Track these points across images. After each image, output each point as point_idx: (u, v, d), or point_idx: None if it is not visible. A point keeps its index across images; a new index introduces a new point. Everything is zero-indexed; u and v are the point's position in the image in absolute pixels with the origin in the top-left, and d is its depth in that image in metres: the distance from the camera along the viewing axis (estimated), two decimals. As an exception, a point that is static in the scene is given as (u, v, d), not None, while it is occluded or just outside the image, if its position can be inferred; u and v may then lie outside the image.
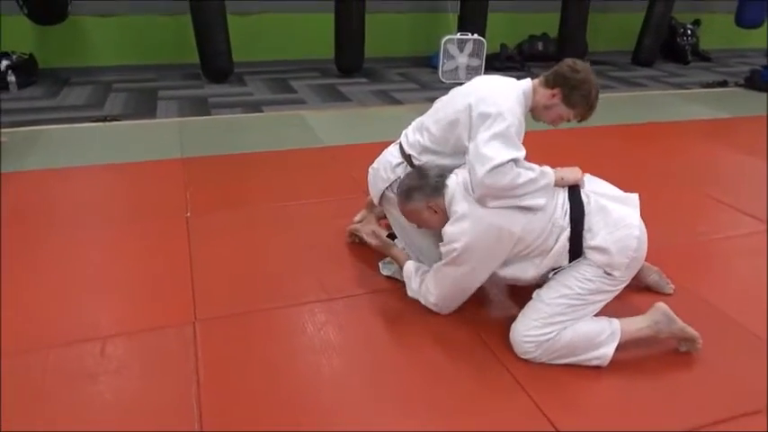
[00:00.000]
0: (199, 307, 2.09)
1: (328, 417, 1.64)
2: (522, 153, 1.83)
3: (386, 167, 2.24)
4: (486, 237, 1.83)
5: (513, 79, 2.02)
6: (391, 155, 2.26)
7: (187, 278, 2.27)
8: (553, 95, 1.93)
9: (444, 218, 1.93)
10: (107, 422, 1.60)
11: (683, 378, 1.82)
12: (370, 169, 2.37)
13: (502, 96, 1.90)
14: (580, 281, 1.83)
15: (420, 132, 2.17)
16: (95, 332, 1.94)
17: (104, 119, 4.36)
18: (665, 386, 1.78)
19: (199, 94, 5.26)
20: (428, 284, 2.03)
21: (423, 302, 2.06)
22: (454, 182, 1.92)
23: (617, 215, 1.85)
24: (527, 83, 1.98)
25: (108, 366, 1.79)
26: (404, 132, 2.28)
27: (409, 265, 2.15)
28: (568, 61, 1.94)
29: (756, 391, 1.76)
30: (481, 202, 1.82)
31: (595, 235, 1.83)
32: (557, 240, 1.85)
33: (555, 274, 1.90)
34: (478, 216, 1.82)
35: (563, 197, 1.88)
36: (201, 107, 4.84)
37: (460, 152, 1.97)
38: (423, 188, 1.95)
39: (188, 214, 2.81)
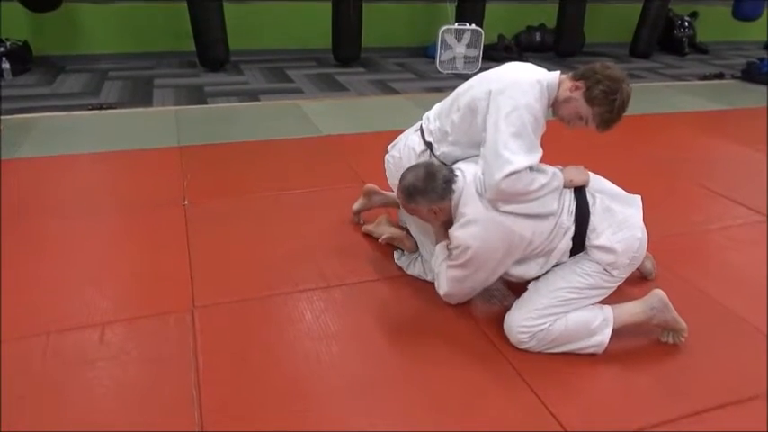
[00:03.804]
0: (197, 294, 2.10)
1: (326, 404, 1.65)
2: (538, 155, 1.81)
3: (409, 156, 2.16)
4: (497, 241, 1.82)
5: (543, 70, 1.92)
6: (414, 142, 2.19)
7: (185, 265, 2.27)
8: (576, 87, 1.80)
9: (445, 217, 1.91)
10: (105, 408, 1.60)
11: (678, 365, 1.84)
12: (388, 157, 2.29)
13: (522, 90, 1.81)
14: (580, 275, 1.85)
15: (440, 119, 2.11)
16: (94, 318, 1.95)
17: (100, 107, 4.33)
18: (662, 373, 1.80)
19: (195, 82, 5.23)
20: (440, 279, 2.02)
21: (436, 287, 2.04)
22: (462, 181, 1.86)
23: (621, 216, 1.86)
24: (554, 75, 1.87)
25: (107, 352, 1.80)
26: (425, 116, 2.22)
27: (438, 249, 2.05)
28: (605, 62, 1.82)
29: (751, 378, 1.78)
30: (493, 203, 1.81)
31: (600, 234, 1.84)
32: (561, 240, 1.86)
33: (553, 266, 1.91)
34: (490, 221, 1.80)
35: (569, 197, 1.89)
36: (198, 96, 4.82)
37: (477, 144, 1.90)
38: (428, 193, 1.85)
39: (185, 202, 2.80)
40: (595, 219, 1.86)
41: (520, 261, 1.90)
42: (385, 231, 2.44)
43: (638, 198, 1.98)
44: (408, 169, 1.96)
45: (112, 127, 3.95)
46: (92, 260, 2.32)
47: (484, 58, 5.90)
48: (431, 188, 1.85)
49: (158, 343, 1.85)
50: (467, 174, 1.88)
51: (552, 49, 6.89)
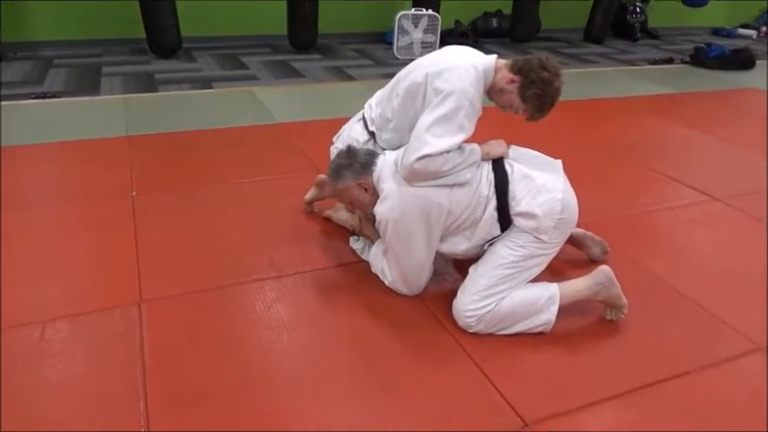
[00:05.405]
0: (144, 287, 2.04)
1: (277, 393, 1.64)
2: (462, 137, 1.83)
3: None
4: (413, 211, 1.86)
5: (480, 54, 1.96)
6: (357, 132, 2.21)
7: (132, 258, 2.20)
8: (512, 81, 1.87)
9: (374, 197, 1.96)
10: (48, 406, 1.55)
11: (621, 342, 1.89)
12: (333, 149, 2.29)
13: (458, 74, 1.84)
14: (512, 248, 1.88)
15: (381, 106, 2.13)
16: (34, 316, 1.87)
17: (44, 96, 4.16)
18: (605, 351, 1.85)
19: (145, 69, 5.07)
20: (384, 267, 2.06)
21: (387, 284, 2.07)
22: (382, 160, 1.97)
23: (540, 182, 1.89)
24: (491, 60, 1.92)
25: (49, 350, 1.73)
26: (367, 104, 2.23)
27: (378, 246, 2.14)
28: (543, 56, 1.88)
29: (692, 352, 1.85)
30: (407, 179, 1.86)
31: (520, 201, 1.87)
32: (484, 211, 1.89)
33: (490, 245, 1.94)
34: (404, 192, 1.86)
35: (487, 169, 1.92)
36: (148, 83, 4.67)
37: None
38: (352, 166, 1.97)
39: (133, 193, 2.72)
40: (514, 187, 1.89)
41: (445, 236, 1.95)
42: (343, 216, 2.45)
43: (558, 163, 2.02)
44: (334, 157, 2.08)
45: (58, 116, 3.80)
46: (35, 254, 2.23)
47: (441, 44, 5.90)
48: (354, 160, 1.98)
49: (103, 339, 1.80)
50: (388, 155, 1.98)
51: (508, 34, 6.94)
